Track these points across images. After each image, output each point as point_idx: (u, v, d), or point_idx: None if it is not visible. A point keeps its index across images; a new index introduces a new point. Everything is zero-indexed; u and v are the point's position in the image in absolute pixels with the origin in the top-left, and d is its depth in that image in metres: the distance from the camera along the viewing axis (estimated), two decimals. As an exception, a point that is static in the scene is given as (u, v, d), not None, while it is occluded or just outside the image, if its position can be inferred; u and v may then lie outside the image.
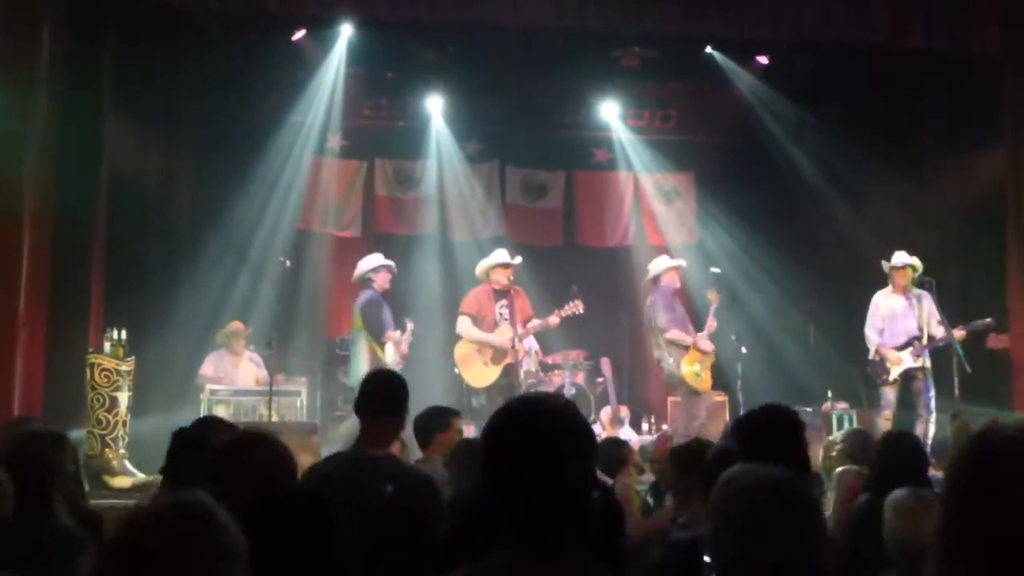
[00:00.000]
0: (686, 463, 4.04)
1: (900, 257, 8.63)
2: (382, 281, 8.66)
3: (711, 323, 8.82)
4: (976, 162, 9.83)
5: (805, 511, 2.16)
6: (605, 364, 10.05)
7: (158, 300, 9.37)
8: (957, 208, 9.88)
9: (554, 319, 8.71)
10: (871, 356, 8.61)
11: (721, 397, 9.41)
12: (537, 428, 1.74)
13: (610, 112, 11.15)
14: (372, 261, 8.72)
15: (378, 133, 11.15)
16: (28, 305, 7.38)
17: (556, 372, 9.89)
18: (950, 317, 8.26)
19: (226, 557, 1.70)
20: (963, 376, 8.07)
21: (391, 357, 8.40)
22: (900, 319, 8.56)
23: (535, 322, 8.70)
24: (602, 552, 2.44)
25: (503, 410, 1.80)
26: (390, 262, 8.81)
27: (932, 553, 1.60)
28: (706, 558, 2.32)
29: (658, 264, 9.09)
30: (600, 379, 10.13)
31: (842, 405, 9.09)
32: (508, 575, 1.70)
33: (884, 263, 8.68)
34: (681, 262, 9.25)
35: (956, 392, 8.06)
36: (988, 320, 8.28)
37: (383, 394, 3.78)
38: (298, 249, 10.12)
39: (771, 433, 3.06)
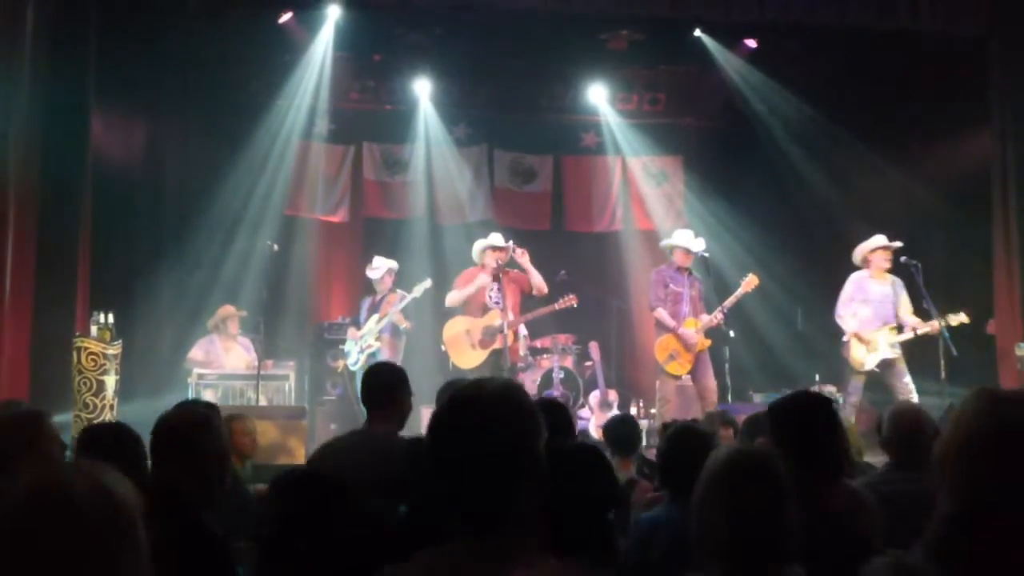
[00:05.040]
0: None
1: (880, 239, 8.48)
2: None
3: (716, 316, 8.50)
4: (962, 143, 9.85)
5: (769, 489, 2.17)
6: (594, 348, 10.04)
7: (145, 284, 9.36)
8: (943, 190, 9.88)
9: (547, 312, 8.69)
10: (846, 339, 8.45)
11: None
12: (462, 418, 1.71)
13: (598, 96, 11.13)
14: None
15: (366, 117, 11.11)
16: (14, 288, 7.35)
17: (545, 356, 9.91)
18: (936, 300, 8.21)
19: None
20: (949, 358, 8.05)
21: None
22: (876, 304, 8.40)
23: (535, 312, 8.66)
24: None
25: (439, 407, 1.77)
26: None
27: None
28: None
29: (668, 239, 8.83)
30: (588, 363, 10.13)
31: (830, 388, 9.08)
32: (446, 563, 1.67)
33: (863, 245, 8.52)
34: (689, 244, 8.64)
35: (943, 374, 8.03)
36: (961, 315, 8.07)
37: (374, 389, 3.95)
38: (286, 233, 10.08)
39: (804, 422, 2.97)
